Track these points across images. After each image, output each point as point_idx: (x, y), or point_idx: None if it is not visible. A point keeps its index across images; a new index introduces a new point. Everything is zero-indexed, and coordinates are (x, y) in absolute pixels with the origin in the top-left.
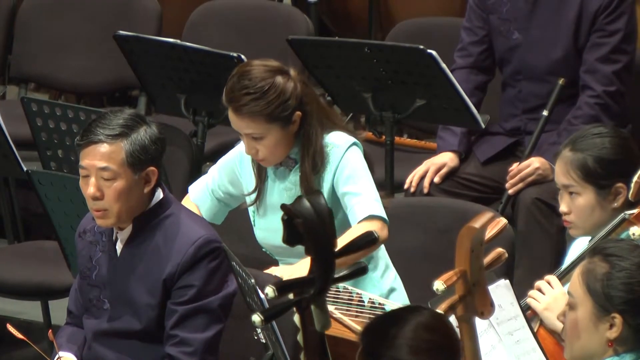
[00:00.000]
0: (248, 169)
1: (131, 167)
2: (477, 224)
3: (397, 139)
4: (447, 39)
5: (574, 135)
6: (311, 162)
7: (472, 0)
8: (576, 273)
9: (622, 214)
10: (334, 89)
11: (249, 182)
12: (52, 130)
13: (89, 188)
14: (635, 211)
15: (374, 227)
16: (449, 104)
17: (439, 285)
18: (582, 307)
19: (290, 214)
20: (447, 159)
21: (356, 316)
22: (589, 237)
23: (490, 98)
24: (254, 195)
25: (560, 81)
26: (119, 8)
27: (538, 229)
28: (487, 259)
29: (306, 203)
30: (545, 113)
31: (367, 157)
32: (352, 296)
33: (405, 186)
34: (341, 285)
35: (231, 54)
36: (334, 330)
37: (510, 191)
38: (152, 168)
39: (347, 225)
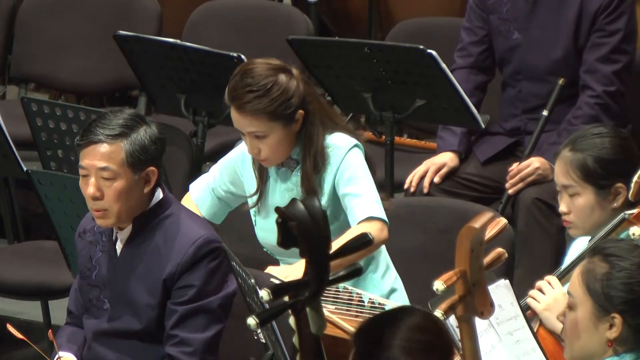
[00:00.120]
0: (249, 169)
1: (131, 167)
2: (477, 224)
3: (397, 139)
4: (447, 39)
5: (573, 135)
6: (312, 162)
7: (472, 0)
8: (576, 273)
9: (622, 214)
10: (334, 89)
11: (251, 182)
12: (52, 130)
13: (89, 188)
14: (635, 211)
15: (373, 228)
16: (449, 104)
17: (439, 285)
18: (582, 307)
19: (284, 217)
20: (447, 159)
21: (356, 316)
22: (589, 237)
23: (490, 98)
24: (255, 197)
25: (560, 81)
26: (119, 8)
27: (538, 229)
28: (487, 259)
29: (300, 206)
30: (545, 113)
31: (368, 158)
32: (352, 296)
33: (405, 186)
34: (341, 285)
35: (231, 54)
36: (334, 330)
37: (510, 191)
38: (152, 168)
39: (348, 226)
